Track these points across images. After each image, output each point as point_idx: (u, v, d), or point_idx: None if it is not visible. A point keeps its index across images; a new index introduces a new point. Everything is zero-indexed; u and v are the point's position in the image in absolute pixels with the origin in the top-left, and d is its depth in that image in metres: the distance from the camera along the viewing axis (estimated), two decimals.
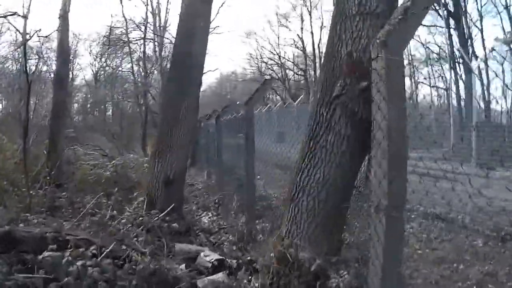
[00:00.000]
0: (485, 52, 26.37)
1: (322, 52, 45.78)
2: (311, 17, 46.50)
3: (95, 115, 45.94)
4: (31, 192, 7.23)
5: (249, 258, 5.04)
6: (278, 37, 48.54)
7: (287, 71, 48.75)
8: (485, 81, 24.48)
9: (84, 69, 50.25)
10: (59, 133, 10.71)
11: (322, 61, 3.45)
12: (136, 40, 36.11)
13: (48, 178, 8.98)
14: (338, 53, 3.18)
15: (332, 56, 3.26)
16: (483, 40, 28.12)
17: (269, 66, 48.29)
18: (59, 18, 10.92)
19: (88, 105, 45.76)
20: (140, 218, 5.72)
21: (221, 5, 30.28)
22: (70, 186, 9.64)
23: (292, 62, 48.23)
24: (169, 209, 6.21)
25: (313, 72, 47.26)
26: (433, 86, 34.39)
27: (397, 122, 2.52)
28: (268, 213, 7.99)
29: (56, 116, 10.86)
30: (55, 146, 10.36)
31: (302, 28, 47.14)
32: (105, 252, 4.08)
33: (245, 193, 6.52)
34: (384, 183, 2.47)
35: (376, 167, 2.60)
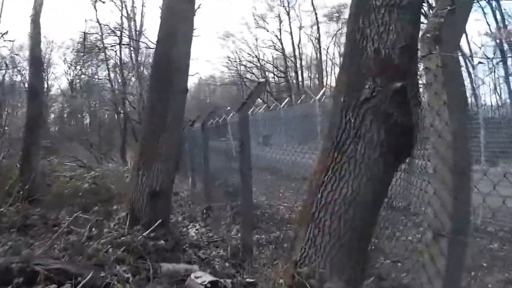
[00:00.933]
0: None
1: (302, 53, 45.95)
2: (289, 17, 46.34)
3: (72, 125, 45.16)
4: (1, 209, 6.59)
5: (247, 279, 4.55)
6: (256, 39, 48.34)
7: (267, 73, 48.15)
8: None
9: (59, 78, 49.71)
10: (33, 145, 9.95)
11: (341, 61, 2.90)
12: (112, 46, 35.44)
13: (21, 192, 8.26)
14: (363, 51, 2.63)
15: (355, 54, 2.73)
16: None
17: (248, 69, 47.84)
18: (30, 22, 10.22)
19: (65, 115, 44.91)
20: (122, 238, 5.09)
21: (198, 7, 29.57)
22: (45, 200, 8.95)
23: (272, 64, 47.86)
24: (155, 225, 5.64)
25: (294, 73, 47.08)
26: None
27: (462, 129, 2.20)
28: (263, 223, 7.52)
29: (30, 128, 10.10)
30: (29, 159, 9.63)
31: (280, 29, 46.95)
32: (81, 283, 3.51)
33: (242, 202, 5.92)
34: (448, 201, 2.06)
35: (437, 183, 2.21)
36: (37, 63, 10.56)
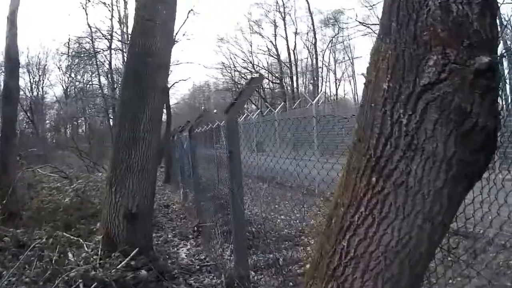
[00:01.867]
0: None
1: (297, 59, 45.29)
2: (285, 23, 45.59)
3: (66, 132, 44.64)
4: None
5: None
6: (251, 45, 47.45)
7: None
8: None
9: (54, 85, 48.91)
10: (10, 154, 9.07)
11: (380, 29, 1.64)
12: (103, 51, 34.74)
13: None
14: (421, 7, 1.49)
15: (407, 13, 1.61)
16: None
17: (243, 75, 46.95)
18: (7, 21, 9.40)
19: (61, 122, 44.35)
20: (93, 273, 4.26)
21: (188, 14, 28.94)
22: (24, 216, 8.14)
23: (267, 70, 46.99)
24: (134, 252, 4.80)
25: (289, 80, 46.31)
26: None
27: None
28: (260, 241, 6.77)
29: (6, 135, 9.21)
30: (7, 169, 8.74)
31: (275, 35, 46.21)
32: None
33: (233, 220, 5.01)
34: None
35: None
36: (13, 65, 9.66)
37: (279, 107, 22.25)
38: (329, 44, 44.54)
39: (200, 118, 8.46)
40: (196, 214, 8.41)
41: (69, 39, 34.23)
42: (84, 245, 5.41)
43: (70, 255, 5.11)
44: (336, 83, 47.20)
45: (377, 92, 1.65)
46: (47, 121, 43.40)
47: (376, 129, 1.64)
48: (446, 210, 1.63)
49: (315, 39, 44.62)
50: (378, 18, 35.56)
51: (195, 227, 7.95)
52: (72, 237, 5.91)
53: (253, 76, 4.61)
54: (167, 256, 6.47)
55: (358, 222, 1.70)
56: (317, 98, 16.34)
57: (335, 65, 46.56)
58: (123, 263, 4.59)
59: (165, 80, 6.00)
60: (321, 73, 45.87)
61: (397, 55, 1.59)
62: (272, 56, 47.02)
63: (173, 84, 36.11)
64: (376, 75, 1.68)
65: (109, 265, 4.55)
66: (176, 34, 28.99)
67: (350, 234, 1.74)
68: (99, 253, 4.97)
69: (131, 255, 4.77)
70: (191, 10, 28.56)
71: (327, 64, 46.11)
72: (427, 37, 1.50)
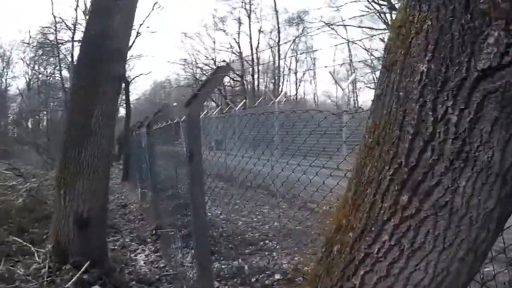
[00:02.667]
0: None
1: (259, 58, 44.91)
2: (250, 20, 45.08)
3: (27, 127, 43.10)
4: None
5: None
6: (214, 42, 46.86)
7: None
8: None
9: (18, 77, 47.23)
10: None
11: None
12: (66, 42, 33.49)
13: None
14: None
15: None
16: None
17: (204, 72, 46.22)
18: None
19: (22, 115, 42.72)
20: None
21: (153, 6, 28.23)
22: None
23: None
24: (87, 264, 4.26)
25: (250, 77, 45.88)
26: None
27: None
28: (222, 247, 6.32)
29: None
30: None
31: (239, 32, 45.69)
32: None
33: (193, 223, 4.45)
34: None
35: None
36: None
37: (240, 104, 21.78)
38: (292, 44, 44.29)
39: (158, 113, 7.75)
40: (154, 216, 7.85)
41: (29, 30, 32.86)
42: (36, 254, 4.89)
43: (19, 266, 4.60)
44: (296, 83, 47.14)
45: (410, 76, 1.19)
46: (9, 115, 41.72)
47: (410, 127, 1.17)
48: (492, 236, 1.21)
49: (279, 37, 44.32)
50: (342, 19, 35.67)
51: (153, 229, 7.42)
52: (24, 243, 5.41)
53: (219, 65, 4.10)
54: (124, 265, 5.92)
55: (378, 254, 1.23)
56: (280, 96, 15.99)
57: (296, 65, 46.51)
58: (74, 278, 4.03)
59: (121, 68, 5.32)
60: (283, 72, 45.71)
61: (441, 27, 1.12)
62: (235, 54, 46.48)
63: (134, 78, 35.34)
64: (406, 54, 1.21)
65: (60, 280, 4.01)
66: (140, 26, 28.34)
67: (365, 269, 1.27)
68: (49, 265, 4.41)
69: (84, 267, 4.22)
70: (156, 2, 27.74)
71: (288, 64, 46.02)
72: (485, 5, 1.06)
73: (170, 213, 7.04)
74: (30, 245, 5.24)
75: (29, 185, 9.30)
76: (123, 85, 29.37)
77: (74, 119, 4.90)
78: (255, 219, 8.94)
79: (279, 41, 44.14)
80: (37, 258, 4.78)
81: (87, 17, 5.35)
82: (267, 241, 7.23)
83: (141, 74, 40.24)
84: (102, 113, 4.76)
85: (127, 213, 10.29)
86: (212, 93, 6.15)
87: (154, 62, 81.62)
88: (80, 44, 6.07)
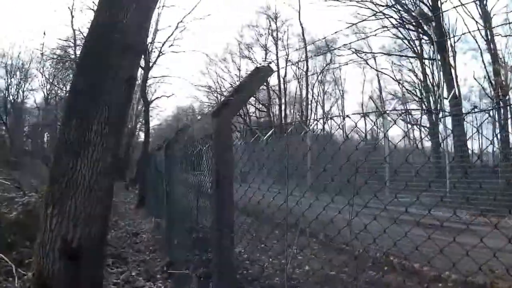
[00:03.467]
0: None
1: (286, 87, 43.89)
2: (277, 48, 44.35)
3: (43, 141, 43.14)
4: None
5: None
6: (239, 69, 46.16)
7: (248, 106, 45.77)
8: None
9: (36, 91, 47.58)
10: None
11: None
12: None
13: None
14: None
15: None
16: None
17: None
18: None
19: (38, 129, 42.79)
20: None
21: (177, 25, 27.72)
22: None
23: (254, 97, 45.69)
24: None
25: (277, 108, 44.80)
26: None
27: None
28: None
29: None
30: None
31: (265, 60, 44.86)
32: None
33: (216, 276, 3.35)
34: None
35: None
36: None
37: (268, 133, 20.83)
38: (319, 75, 43.18)
39: (180, 132, 6.65)
40: (167, 249, 6.79)
41: (42, 45, 32.67)
42: (16, 279, 4.11)
43: None
44: (324, 116, 45.80)
45: None
46: (26, 127, 41.78)
47: None
48: None
49: (307, 66, 43.13)
50: (370, 47, 34.62)
51: (165, 265, 6.39)
52: (9, 262, 4.82)
53: (258, 66, 3.13)
54: None
55: None
56: (312, 126, 14.98)
57: (323, 97, 45.24)
58: None
59: (133, 68, 4.19)
60: (310, 104, 44.50)
61: None
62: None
63: (154, 99, 34.59)
64: None
65: None
66: (162, 45, 27.83)
67: None
68: None
69: None
70: (180, 21, 27.25)
71: (316, 96, 44.84)
72: None
73: (186, 247, 6.01)
74: (13, 266, 4.54)
75: (27, 199, 8.35)
76: (142, 106, 28.87)
77: (71, 124, 3.84)
78: (283, 261, 7.85)
79: (307, 69, 43.01)
80: (16, 284, 3.91)
81: (97, 5, 4.34)
82: None
83: (162, 96, 39.59)
84: (106, 119, 3.77)
85: (137, 243, 9.27)
86: (247, 101, 5.18)
87: (177, 86, 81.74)
88: (85, 37, 5.02)
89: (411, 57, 31.60)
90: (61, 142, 3.83)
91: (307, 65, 42.91)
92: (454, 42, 25.92)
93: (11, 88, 39.65)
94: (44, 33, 46.74)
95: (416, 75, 32.57)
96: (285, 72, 43.99)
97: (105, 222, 3.94)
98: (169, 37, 28.09)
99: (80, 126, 3.72)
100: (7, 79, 39.21)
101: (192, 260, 5.48)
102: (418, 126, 28.50)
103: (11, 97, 39.80)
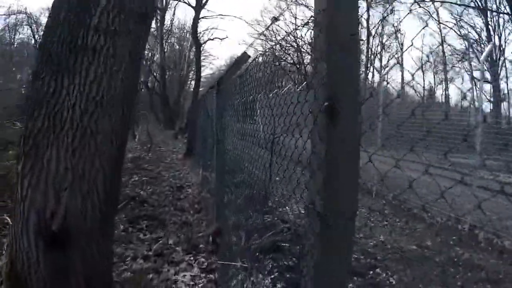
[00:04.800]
0: None
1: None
2: None
3: None
4: None
5: None
6: (295, 18, 43.55)
7: (303, 54, 43.29)
8: None
9: None
10: None
11: None
12: None
13: None
14: None
15: None
16: None
17: (284, 49, 43.17)
18: None
19: None
20: None
21: None
22: None
23: (310, 45, 43.29)
24: None
25: None
26: None
27: None
28: None
29: None
30: None
31: None
32: None
33: None
34: None
35: None
36: None
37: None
38: (377, 26, 40.12)
39: (238, 62, 4.76)
40: (215, 215, 5.25)
41: None
42: None
43: None
44: (381, 69, 43.12)
45: None
46: None
47: None
48: None
49: (368, 14, 40.09)
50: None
51: (211, 235, 4.95)
52: None
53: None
54: None
55: None
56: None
57: (381, 50, 42.26)
58: None
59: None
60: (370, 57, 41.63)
61: None
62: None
63: (207, 41, 33.16)
64: None
65: None
66: None
67: None
68: None
69: None
70: None
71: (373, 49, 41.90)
72: None
73: (240, 210, 4.47)
74: None
75: None
76: (194, 48, 27.58)
77: (59, 17, 2.25)
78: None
79: (368, 17, 39.87)
80: None
81: None
82: (378, 270, 4.75)
83: (215, 38, 37.86)
84: (116, 65, 2.19)
85: (181, 199, 7.82)
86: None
87: (231, 33, 79.97)
88: None
89: (476, 8, 28.71)
90: (43, 52, 2.28)
91: (368, 12, 39.97)
92: None
93: None
94: None
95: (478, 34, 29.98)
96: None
97: (111, 189, 2.36)
98: None
99: (73, 22, 2.15)
100: None
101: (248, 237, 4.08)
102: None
103: None
